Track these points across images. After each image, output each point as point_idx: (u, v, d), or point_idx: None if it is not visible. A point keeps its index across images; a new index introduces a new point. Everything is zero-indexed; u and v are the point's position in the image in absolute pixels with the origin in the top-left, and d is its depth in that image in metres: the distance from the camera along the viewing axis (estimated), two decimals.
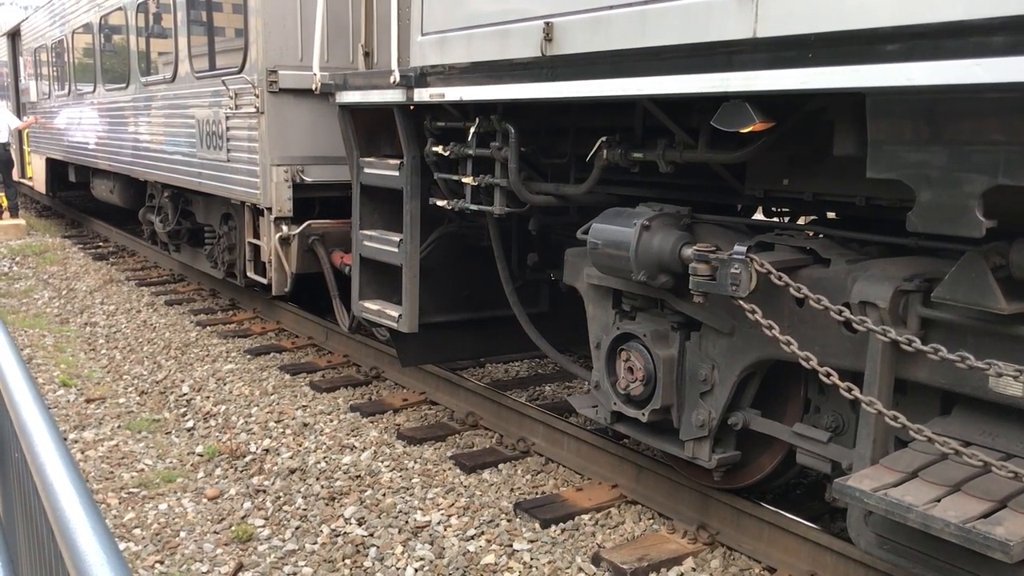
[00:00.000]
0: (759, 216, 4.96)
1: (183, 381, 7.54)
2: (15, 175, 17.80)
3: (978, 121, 2.80)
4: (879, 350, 3.34)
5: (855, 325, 3.34)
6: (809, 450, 3.96)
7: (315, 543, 4.69)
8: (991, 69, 2.59)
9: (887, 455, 3.38)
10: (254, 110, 7.64)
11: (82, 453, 5.94)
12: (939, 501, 2.97)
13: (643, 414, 4.43)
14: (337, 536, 4.75)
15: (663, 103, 4.10)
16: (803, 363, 3.48)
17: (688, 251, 3.93)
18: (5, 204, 16.69)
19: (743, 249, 3.67)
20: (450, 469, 5.57)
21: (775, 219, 4.77)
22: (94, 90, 13.02)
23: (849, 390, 3.30)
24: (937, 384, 3.32)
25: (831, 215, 4.47)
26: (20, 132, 17.89)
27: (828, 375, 3.38)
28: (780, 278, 3.56)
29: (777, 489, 4.89)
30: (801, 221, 4.77)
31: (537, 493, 5.24)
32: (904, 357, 3.33)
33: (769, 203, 4.64)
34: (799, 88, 3.13)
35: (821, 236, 3.99)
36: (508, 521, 4.87)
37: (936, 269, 3.37)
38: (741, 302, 3.67)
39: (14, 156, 17.31)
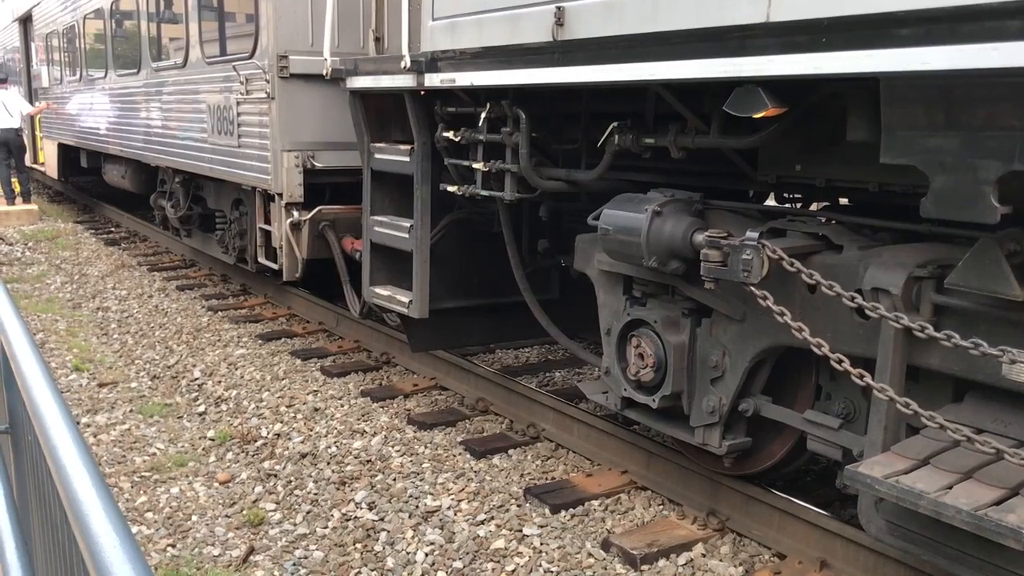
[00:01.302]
0: (771, 202, 4.94)
1: (195, 366, 7.57)
2: (27, 160, 17.84)
3: (994, 106, 2.78)
4: (891, 337, 3.32)
5: (867, 311, 3.33)
6: (820, 437, 3.95)
7: (326, 527, 4.71)
8: (1008, 53, 2.56)
9: (898, 442, 3.37)
10: (265, 95, 7.63)
11: (95, 437, 5.98)
12: (951, 488, 2.96)
13: (653, 400, 4.43)
14: (348, 520, 4.77)
15: (675, 88, 4.08)
16: (815, 349, 3.46)
17: (700, 237, 3.91)
18: (18, 189, 16.75)
19: (755, 235, 3.65)
20: (460, 454, 5.59)
21: (787, 205, 4.75)
22: (105, 76, 13.04)
23: (861, 377, 3.29)
24: (950, 371, 3.30)
25: (844, 201, 4.44)
26: (32, 118, 17.92)
27: (840, 362, 3.37)
28: (792, 264, 3.54)
29: (787, 476, 4.89)
30: (814, 207, 4.74)
31: (547, 479, 5.25)
32: (916, 344, 3.31)
33: (781, 189, 4.62)
34: (812, 73, 3.10)
35: (833, 222, 3.97)
36: (518, 506, 4.88)
37: (949, 255, 3.35)
38: (753, 288, 3.65)
39: (26, 142, 17.33)
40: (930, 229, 3.53)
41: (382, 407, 6.46)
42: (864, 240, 3.77)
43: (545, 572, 4.24)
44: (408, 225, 5.88)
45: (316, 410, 6.40)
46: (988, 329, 3.15)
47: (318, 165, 7.68)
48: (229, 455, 5.73)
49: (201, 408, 6.63)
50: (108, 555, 1.34)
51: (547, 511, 4.81)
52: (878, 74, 2.94)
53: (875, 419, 3.47)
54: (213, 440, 5.97)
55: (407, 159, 5.83)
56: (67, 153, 16.48)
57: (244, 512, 4.90)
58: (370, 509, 4.88)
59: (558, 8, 4.17)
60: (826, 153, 3.94)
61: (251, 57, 7.81)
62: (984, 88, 2.78)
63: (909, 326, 3.19)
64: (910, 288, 3.32)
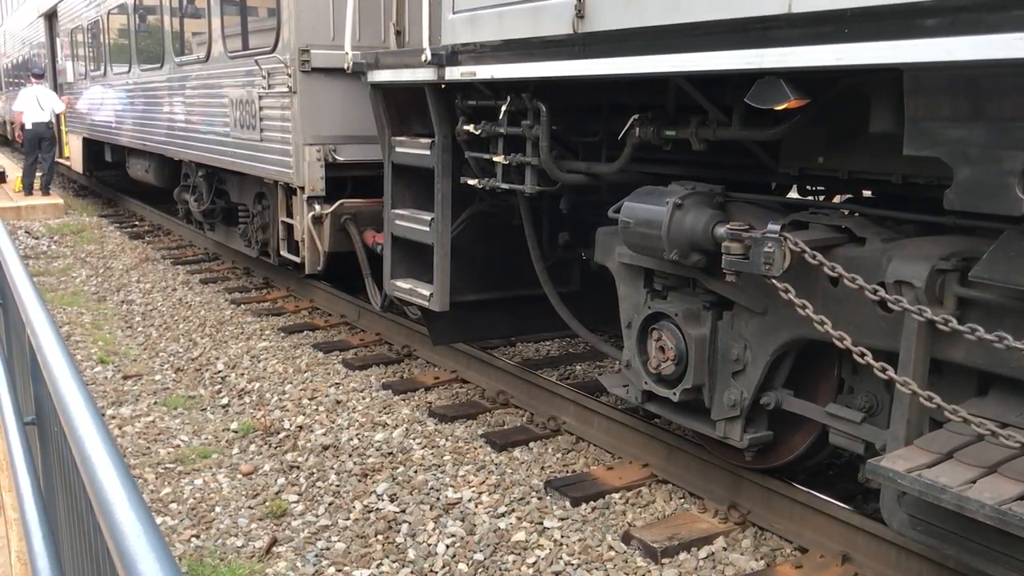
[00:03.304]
0: (793, 194, 4.90)
1: (218, 358, 7.63)
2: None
3: (1019, 97, 2.75)
4: (915, 330, 3.30)
5: (890, 304, 3.30)
6: (842, 430, 3.93)
7: (348, 519, 4.74)
8: None
9: (922, 436, 3.35)
10: (287, 90, 7.66)
11: (120, 429, 6.04)
12: (974, 482, 2.93)
13: (674, 393, 4.42)
14: (369, 512, 4.80)
15: (696, 80, 4.06)
16: (837, 343, 3.44)
17: (721, 230, 3.90)
18: (38, 184, 16.93)
19: (777, 227, 3.63)
20: (481, 447, 5.60)
21: (810, 197, 4.71)
22: (129, 70, 13.13)
23: (884, 370, 3.27)
24: (974, 364, 3.27)
25: (867, 193, 4.41)
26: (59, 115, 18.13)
27: (862, 355, 3.35)
28: (814, 257, 3.52)
29: (809, 469, 4.86)
30: (836, 199, 4.71)
31: (568, 471, 5.25)
32: (940, 337, 3.28)
33: (804, 181, 4.59)
34: (835, 64, 3.08)
35: (856, 214, 3.94)
36: (539, 499, 4.89)
37: (974, 248, 3.31)
38: (774, 281, 3.64)
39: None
40: (954, 221, 3.49)
41: (403, 400, 6.48)
42: (887, 232, 3.74)
43: (566, 565, 4.24)
44: (429, 218, 5.89)
45: (338, 402, 6.44)
46: (1013, 322, 3.11)
47: (340, 159, 7.71)
48: (252, 447, 5.78)
49: (224, 400, 6.69)
50: (132, 544, 1.36)
51: (568, 504, 4.82)
52: (902, 65, 2.92)
53: (898, 413, 3.45)
54: (236, 432, 6.02)
55: (428, 152, 5.84)
56: (91, 148, 16.62)
57: (267, 503, 4.94)
58: (391, 501, 4.91)
59: (579, 0, 4.16)
60: (849, 145, 3.91)
61: (273, 51, 7.84)
62: (1010, 79, 2.75)
63: (933, 319, 3.17)
64: (934, 281, 3.29)
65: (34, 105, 16.31)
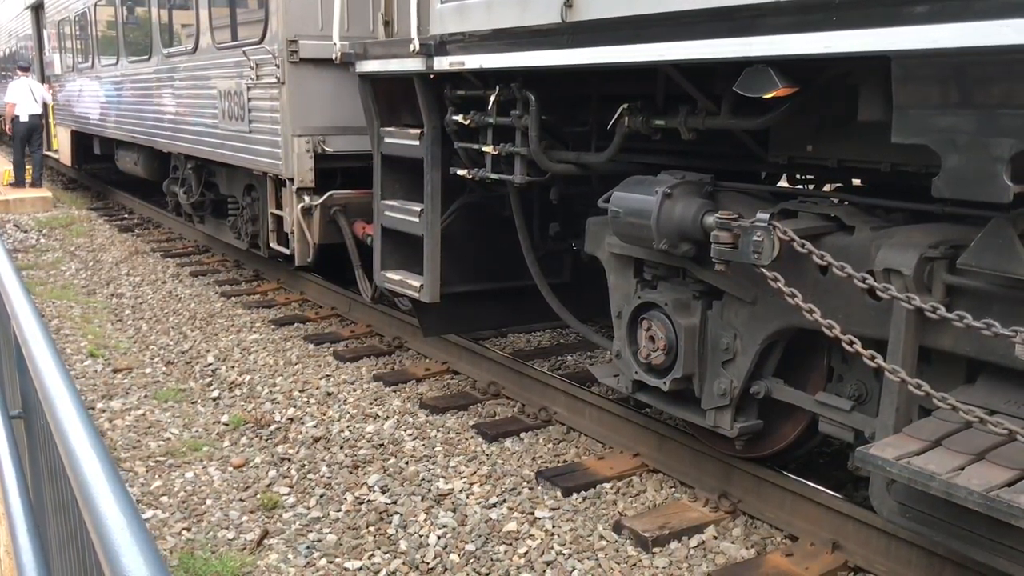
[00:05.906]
0: (783, 183, 4.91)
1: (208, 351, 7.61)
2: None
3: (1007, 84, 2.75)
4: (903, 318, 3.30)
5: (879, 293, 3.31)
6: (832, 419, 3.94)
7: (339, 511, 4.74)
8: (1021, 30, 2.53)
9: (910, 424, 3.36)
10: (275, 80, 7.63)
11: (110, 422, 6.02)
12: (962, 469, 2.94)
13: (664, 383, 4.43)
14: (361, 504, 4.80)
15: (685, 69, 4.05)
16: (826, 331, 3.45)
17: (710, 219, 3.90)
18: (30, 178, 16.90)
19: (766, 216, 3.64)
20: (472, 438, 5.60)
21: (799, 186, 4.72)
22: (117, 62, 13.06)
23: (872, 358, 3.28)
24: (962, 352, 3.28)
25: (856, 182, 4.41)
26: (47, 105, 18.06)
27: (851, 343, 3.35)
28: (803, 246, 3.52)
29: (799, 458, 4.88)
30: (826, 188, 4.71)
31: (559, 462, 5.26)
32: (929, 325, 3.29)
33: (793, 170, 4.59)
34: (823, 52, 3.08)
35: (845, 203, 3.94)
36: (530, 489, 4.89)
37: (962, 236, 3.32)
38: (763, 270, 3.64)
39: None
40: (943, 209, 3.50)
41: (394, 391, 6.48)
42: (876, 221, 3.74)
43: (557, 555, 4.25)
44: (419, 209, 5.88)
45: (329, 395, 6.43)
46: (1001, 309, 3.12)
47: (329, 150, 7.68)
48: (243, 439, 5.77)
49: (215, 393, 6.67)
50: (116, 538, 1.36)
51: (559, 494, 4.82)
52: (889, 52, 2.91)
53: (887, 401, 3.46)
54: (227, 425, 6.01)
55: (417, 143, 5.82)
56: (80, 140, 16.55)
57: (258, 496, 4.93)
58: (383, 492, 4.90)
59: None
60: (838, 133, 3.91)
61: (261, 42, 7.81)
62: (997, 66, 2.75)
63: (921, 307, 3.17)
64: (922, 269, 3.29)
65: (28, 97, 16.25)
